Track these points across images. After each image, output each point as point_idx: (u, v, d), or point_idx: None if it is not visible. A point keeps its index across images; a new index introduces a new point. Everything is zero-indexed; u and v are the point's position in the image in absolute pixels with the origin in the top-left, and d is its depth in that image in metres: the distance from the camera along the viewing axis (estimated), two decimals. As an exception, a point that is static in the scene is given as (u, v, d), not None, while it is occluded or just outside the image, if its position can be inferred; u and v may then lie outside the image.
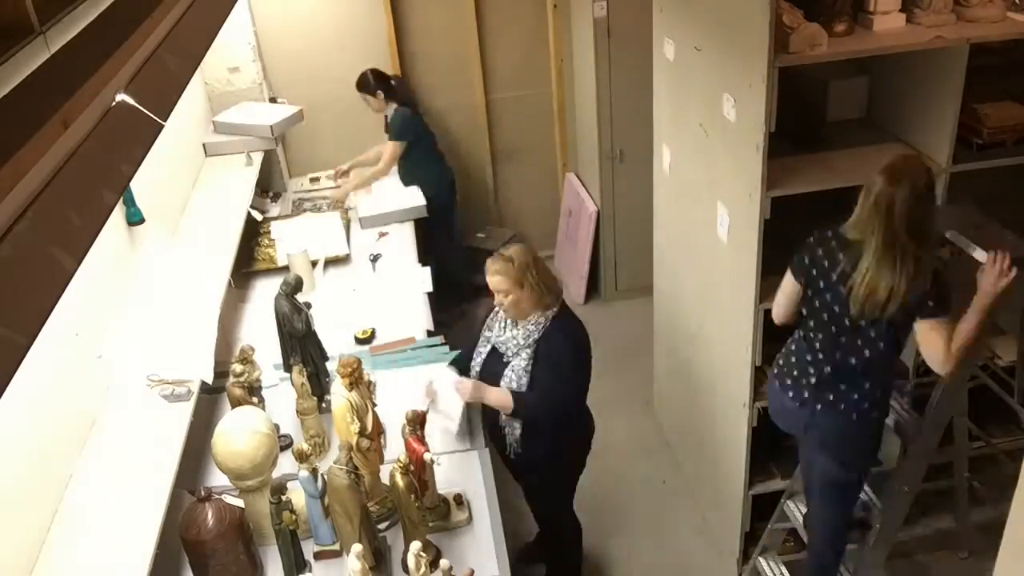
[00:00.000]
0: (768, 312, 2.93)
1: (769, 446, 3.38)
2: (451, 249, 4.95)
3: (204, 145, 4.26)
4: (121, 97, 1.31)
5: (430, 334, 3.48)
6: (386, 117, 4.70)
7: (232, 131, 4.28)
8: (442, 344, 3.39)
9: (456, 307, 4.99)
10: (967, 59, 2.60)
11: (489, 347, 2.89)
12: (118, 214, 3.08)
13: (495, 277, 2.74)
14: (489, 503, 2.70)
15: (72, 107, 1.13)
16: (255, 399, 2.86)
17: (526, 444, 2.90)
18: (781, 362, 2.74)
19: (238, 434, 2.45)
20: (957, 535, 3.52)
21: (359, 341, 3.47)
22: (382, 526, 2.59)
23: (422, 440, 2.53)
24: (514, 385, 2.79)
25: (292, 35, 4.79)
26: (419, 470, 2.49)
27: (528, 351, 2.78)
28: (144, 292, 3.04)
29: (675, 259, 3.73)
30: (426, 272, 3.90)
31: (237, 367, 2.84)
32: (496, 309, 2.86)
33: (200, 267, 3.32)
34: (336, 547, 2.50)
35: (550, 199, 5.61)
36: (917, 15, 2.73)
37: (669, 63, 3.42)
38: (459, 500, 2.64)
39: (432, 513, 2.57)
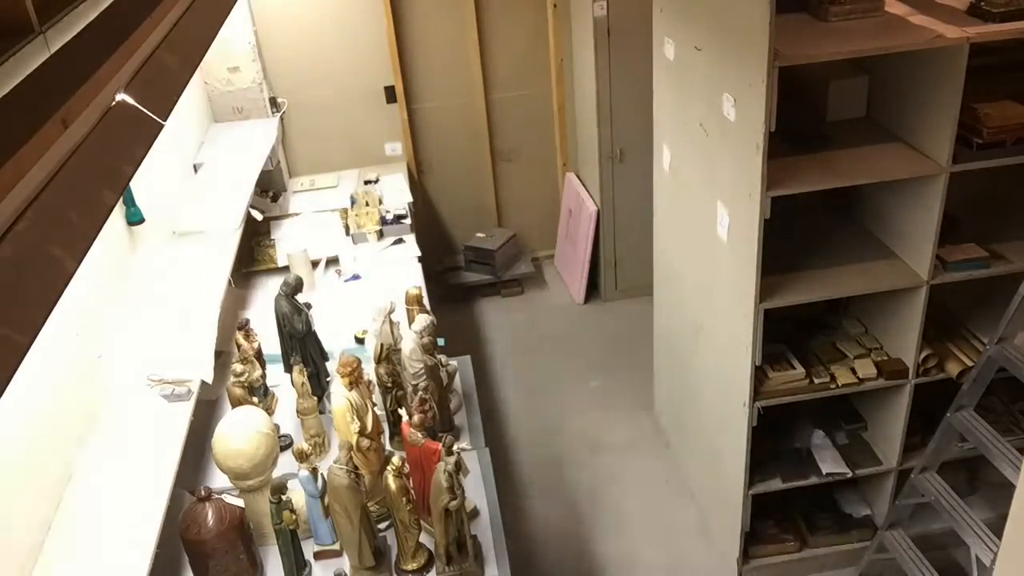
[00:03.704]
0: (768, 312, 2.94)
1: (769, 446, 3.38)
2: None
3: (195, 166, 4.11)
4: (121, 97, 1.31)
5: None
6: None
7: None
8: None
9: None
10: (967, 59, 2.60)
11: None
12: (118, 214, 3.08)
13: None
14: (489, 503, 2.70)
15: (72, 107, 1.13)
16: (255, 398, 2.86)
17: None
18: None
19: (238, 434, 2.45)
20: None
21: (359, 341, 3.47)
22: (382, 526, 2.59)
23: None
24: None
25: (292, 35, 4.79)
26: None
27: None
28: (144, 292, 3.04)
29: (675, 259, 3.73)
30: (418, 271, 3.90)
31: (237, 367, 2.84)
32: None
33: (200, 267, 3.32)
34: (336, 547, 2.50)
35: (550, 199, 5.61)
36: None
37: (669, 63, 3.42)
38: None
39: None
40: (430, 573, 2.46)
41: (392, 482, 2.36)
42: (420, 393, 2.79)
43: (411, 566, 2.46)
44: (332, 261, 4.10)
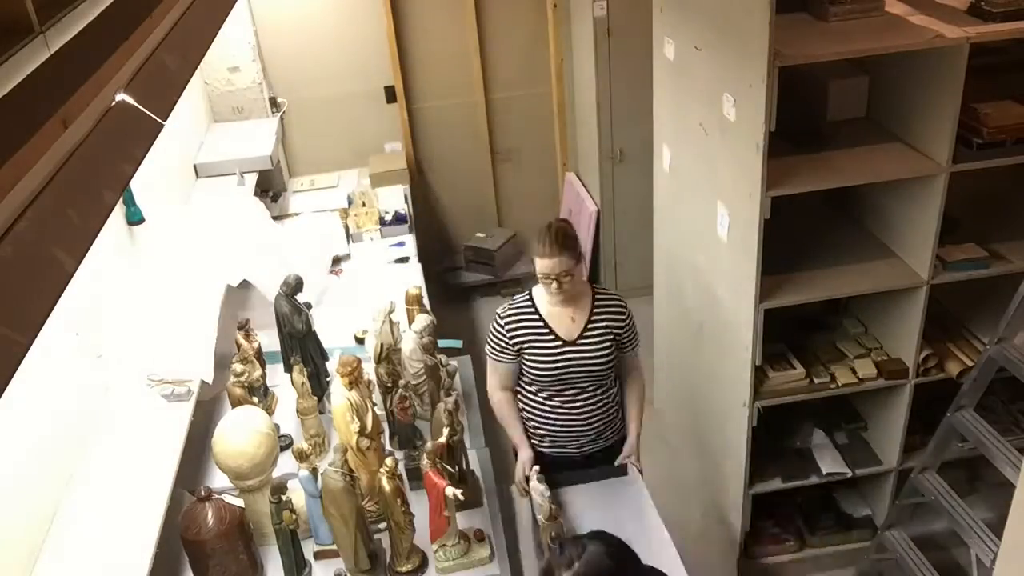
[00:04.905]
0: (768, 312, 2.94)
1: (769, 446, 3.38)
2: None
3: (195, 166, 4.10)
4: (121, 97, 1.31)
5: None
6: None
7: (218, 170, 4.13)
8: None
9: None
10: (967, 59, 2.60)
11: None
12: (118, 214, 3.08)
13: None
14: (489, 502, 2.69)
15: (72, 107, 1.13)
16: (255, 398, 2.85)
17: None
18: None
19: (238, 433, 2.45)
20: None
21: (359, 341, 3.47)
22: (381, 525, 2.58)
23: (442, 474, 2.39)
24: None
25: (292, 35, 4.79)
26: (439, 505, 2.37)
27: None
28: (144, 292, 3.04)
29: (675, 259, 3.73)
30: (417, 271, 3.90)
31: (237, 367, 2.84)
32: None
33: (200, 267, 3.31)
34: (336, 547, 2.50)
35: (550, 199, 5.61)
36: None
37: (669, 63, 3.42)
38: (480, 536, 2.51)
39: (453, 550, 2.45)
40: (425, 575, 2.46)
41: (387, 484, 2.35)
42: (400, 391, 2.78)
43: (405, 567, 2.46)
44: (332, 261, 4.10)
